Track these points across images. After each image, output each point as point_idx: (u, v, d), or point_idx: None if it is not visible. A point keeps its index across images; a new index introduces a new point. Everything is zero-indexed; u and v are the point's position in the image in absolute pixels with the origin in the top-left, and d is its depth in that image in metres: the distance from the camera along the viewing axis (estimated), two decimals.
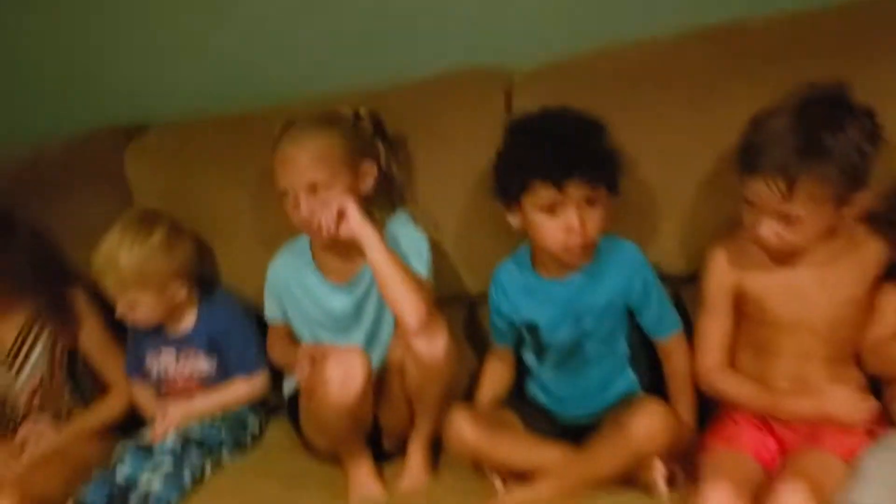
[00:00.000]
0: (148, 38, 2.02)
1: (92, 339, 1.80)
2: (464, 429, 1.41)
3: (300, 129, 1.48)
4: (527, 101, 1.54)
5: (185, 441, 1.61)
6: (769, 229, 1.23)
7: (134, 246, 1.60)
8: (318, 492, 1.51)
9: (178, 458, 1.57)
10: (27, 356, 1.76)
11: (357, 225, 1.39)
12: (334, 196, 1.43)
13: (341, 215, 1.40)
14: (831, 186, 1.18)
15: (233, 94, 1.96)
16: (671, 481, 1.30)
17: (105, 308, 1.74)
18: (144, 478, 1.52)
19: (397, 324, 1.47)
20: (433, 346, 1.41)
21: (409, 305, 1.38)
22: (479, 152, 1.58)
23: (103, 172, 1.91)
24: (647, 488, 1.31)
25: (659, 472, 1.31)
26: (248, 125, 1.83)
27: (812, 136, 1.17)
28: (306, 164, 1.44)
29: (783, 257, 1.29)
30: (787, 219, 1.21)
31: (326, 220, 1.40)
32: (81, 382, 1.83)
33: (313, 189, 1.44)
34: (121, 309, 1.64)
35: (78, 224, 1.87)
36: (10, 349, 1.75)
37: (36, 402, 1.78)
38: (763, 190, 1.20)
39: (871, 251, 1.30)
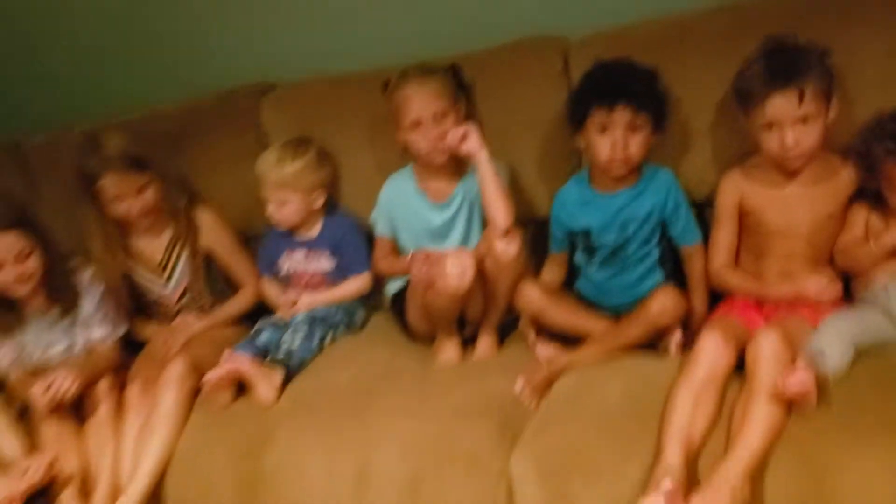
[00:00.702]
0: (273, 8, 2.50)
1: (224, 247, 2.27)
2: (533, 292, 1.90)
3: (419, 73, 1.95)
4: (583, 64, 1.97)
5: (312, 318, 2.10)
6: (792, 137, 1.62)
7: (296, 156, 2.09)
8: (413, 357, 1.98)
9: (309, 328, 2.07)
10: (174, 266, 2.25)
11: (475, 144, 1.85)
12: (450, 125, 1.90)
13: (465, 136, 1.86)
14: (823, 84, 1.61)
15: (339, 58, 2.45)
16: (683, 347, 1.76)
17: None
18: (286, 338, 2.02)
19: (485, 227, 1.94)
20: (509, 248, 1.88)
21: (502, 210, 1.86)
22: (541, 106, 2.06)
23: (242, 120, 2.41)
24: (663, 352, 1.77)
25: (674, 339, 1.77)
26: (357, 82, 2.30)
27: (797, 54, 1.62)
28: (432, 97, 1.91)
29: (791, 172, 1.71)
30: (804, 119, 1.61)
31: (452, 138, 1.86)
32: (217, 284, 2.31)
33: (438, 117, 1.91)
34: (272, 207, 2.12)
35: (219, 159, 2.37)
36: (161, 262, 2.24)
37: (184, 301, 2.27)
38: (782, 103, 1.61)
39: (844, 177, 1.73)
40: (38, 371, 2.06)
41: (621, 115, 1.77)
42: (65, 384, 1.91)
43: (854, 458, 1.37)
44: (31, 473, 1.79)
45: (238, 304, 2.28)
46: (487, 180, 1.87)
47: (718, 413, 1.51)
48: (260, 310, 2.28)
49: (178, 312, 2.27)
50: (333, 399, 1.84)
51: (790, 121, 1.64)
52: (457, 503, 1.62)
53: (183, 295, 2.26)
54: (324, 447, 1.74)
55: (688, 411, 1.47)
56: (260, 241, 2.33)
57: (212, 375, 1.86)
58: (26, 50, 2.82)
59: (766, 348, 1.48)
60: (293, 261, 2.22)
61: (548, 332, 1.94)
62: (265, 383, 1.88)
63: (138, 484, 1.81)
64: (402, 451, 1.68)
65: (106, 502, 1.83)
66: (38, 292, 2.06)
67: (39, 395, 1.90)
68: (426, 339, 2.04)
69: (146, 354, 2.17)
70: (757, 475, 1.38)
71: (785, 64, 1.64)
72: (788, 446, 1.42)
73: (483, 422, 1.68)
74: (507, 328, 2.05)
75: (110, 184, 2.07)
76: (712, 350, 1.55)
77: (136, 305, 2.28)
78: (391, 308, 2.18)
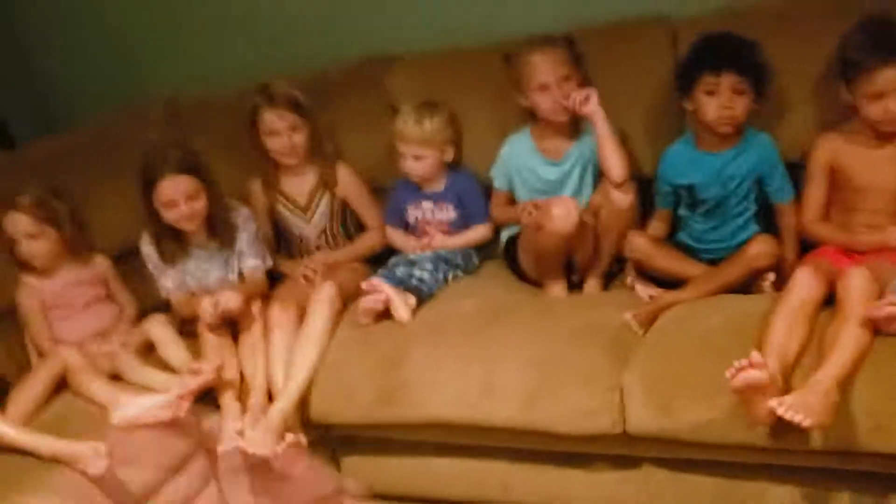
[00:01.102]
0: None
1: (358, 197, 2.56)
2: (640, 240, 2.14)
3: (544, 42, 2.18)
4: (689, 41, 2.17)
5: (437, 257, 2.37)
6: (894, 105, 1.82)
7: (433, 115, 2.35)
8: (527, 294, 2.24)
9: (435, 265, 2.33)
10: (316, 208, 2.55)
11: (595, 105, 2.09)
12: (571, 88, 2.14)
13: (586, 98, 2.10)
14: None
15: (455, 34, 2.69)
16: (776, 287, 1.96)
17: None
18: (416, 272, 2.29)
19: (602, 178, 2.17)
20: (625, 198, 2.12)
21: (619, 164, 2.10)
22: (649, 77, 2.28)
23: (370, 86, 2.67)
24: (757, 291, 1.98)
25: (769, 279, 1.97)
26: (475, 55, 2.53)
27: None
28: (557, 63, 2.15)
29: (885, 135, 1.89)
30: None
31: (575, 99, 2.10)
32: (350, 229, 2.61)
33: (561, 81, 2.15)
34: (410, 161, 2.38)
35: (350, 121, 2.64)
36: (306, 203, 2.54)
37: (322, 240, 2.57)
38: (891, 74, 1.79)
39: None
40: (196, 295, 2.37)
41: (727, 79, 1.98)
42: (230, 302, 2.21)
43: None
44: (204, 375, 2.09)
45: (368, 244, 2.57)
46: (605, 137, 2.11)
47: (810, 338, 1.71)
48: (384, 254, 2.56)
49: (316, 249, 2.55)
50: (460, 322, 2.11)
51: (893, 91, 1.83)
52: (571, 413, 1.87)
53: (321, 234, 2.55)
54: (454, 361, 2.01)
55: (783, 332, 1.68)
56: (386, 193, 2.60)
57: (369, 301, 2.14)
58: (168, 22, 3.13)
59: (857, 281, 1.69)
60: (422, 210, 2.48)
61: (650, 279, 2.16)
62: (403, 306, 2.15)
63: (292, 390, 2.10)
64: (523, 365, 1.94)
65: (260, 404, 2.12)
66: (201, 228, 2.37)
67: (209, 309, 2.20)
68: (536, 282, 2.29)
69: (287, 283, 2.45)
70: (845, 386, 1.59)
71: (892, 38, 1.83)
72: (873, 366, 1.62)
73: (596, 343, 1.92)
74: (610, 277, 2.29)
75: (270, 117, 2.38)
76: (807, 281, 1.76)
77: (277, 243, 2.58)
78: (504, 254, 2.43)
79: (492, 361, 1.96)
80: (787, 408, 1.51)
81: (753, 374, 1.54)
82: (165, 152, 2.28)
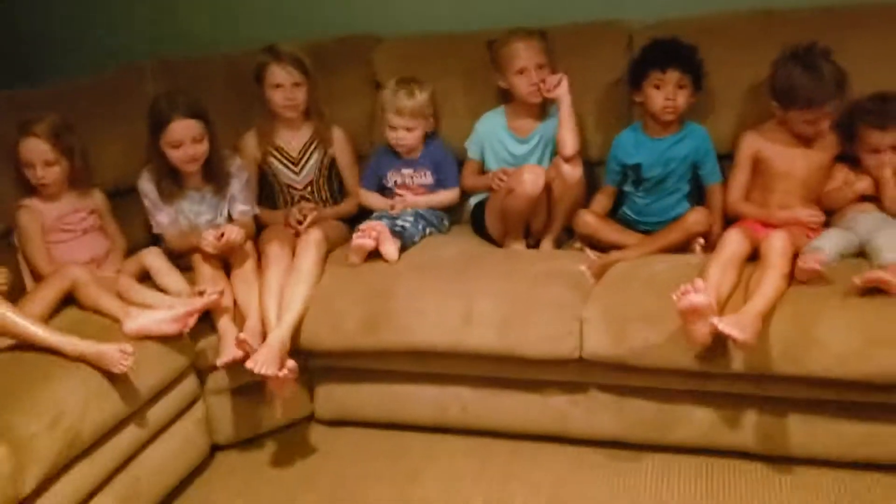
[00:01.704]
0: None
1: (346, 159, 2.82)
2: (588, 216, 2.49)
3: (525, 32, 2.52)
4: (642, 43, 2.55)
5: (416, 213, 2.65)
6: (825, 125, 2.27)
7: (422, 90, 2.63)
8: (490, 249, 2.55)
9: (415, 218, 2.62)
10: (306, 162, 2.79)
11: (565, 89, 2.44)
12: (545, 74, 2.47)
13: (559, 83, 2.44)
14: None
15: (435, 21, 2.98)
16: (704, 250, 2.35)
17: None
18: (399, 222, 2.57)
19: (555, 153, 2.51)
20: (574, 172, 2.47)
21: (572, 141, 2.45)
22: (605, 73, 2.65)
23: (356, 62, 2.94)
24: (690, 252, 2.36)
25: (699, 242, 2.36)
26: (455, 40, 2.86)
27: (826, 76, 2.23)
28: (536, 51, 2.49)
29: (799, 136, 2.32)
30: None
31: (549, 83, 2.44)
32: (334, 185, 2.85)
33: (538, 67, 2.49)
34: (401, 133, 2.65)
35: (336, 92, 2.88)
36: (297, 155, 2.78)
37: (307, 191, 2.80)
38: (827, 108, 2.23)
39: (831, 141, 2.35)
40: (188, 233, 2.57)
41: (672, 75, 2.38)
42: (234, 234, 2.42)
43: (828, 313, 1.98)
44: (208, 296, 2.30)
45: (347, 206, 2.83)
46: (567, 117, 2.46)
47: (737, 284, 2.09)
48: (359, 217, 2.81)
49: (301, 200, 2.78)
50: (441, 263, 2.41)
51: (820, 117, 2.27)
52: (539, 339, 2.19)
53: (308, 186, 2.79)
54: (437, 293, 2.29)
55: (718, 275, 2.06)
56: (364, 160, 2.87)
57: (361, 237, 2.41)
58: None
59: (778, 241, 2.09)
60: (401, 176, 2.75)
61: (595, 248, 2.52)
62: (392, 245, 2.42)
63: (288, 319, 2.32)
64: (498, 298, 2.25)
65: (256, 330, 2.32)
66: (198, 172, 2.57)
67: (212, 240, 2.40)
68: (498, 243, 2.60)
69: (273, 228, 2.66)
70: (766, 318, 1.98)
71: (825, 79, 2.24)
72: (787, 305, 2.02)
73: (560, 283, 2.26)
74: (559, 244, 2.63)
75: (276, 71, 2.63)
76: (737, 238, 2.16)
77: (259, 196, 2.80)
78: (470, 216, 2.74)
79: (470, 295, 2.26)
80: (725, 324, 1.88)
81: (697, 298, 1.90)
82: (175, 97, 2.48)
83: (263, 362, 2.19)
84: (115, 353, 2.00)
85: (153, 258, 2.50)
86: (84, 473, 1.98)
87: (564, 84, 2.45)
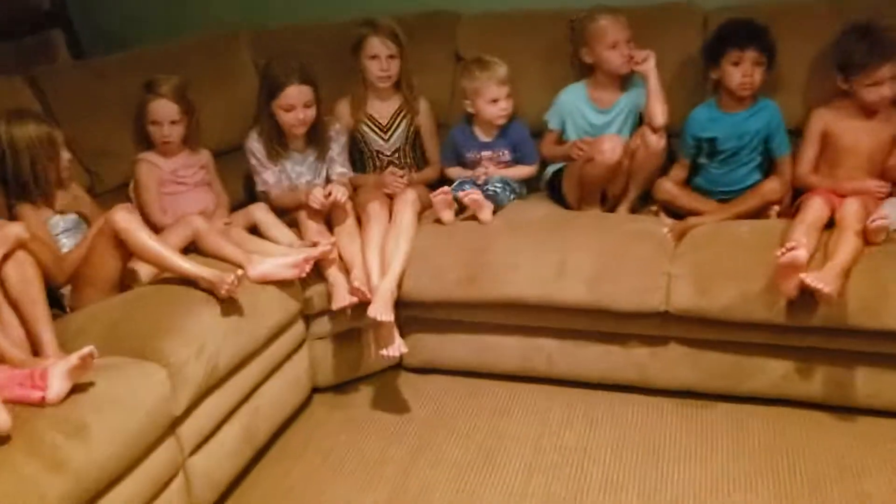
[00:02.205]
0: None
1: (429, 130, 2.97)
2: (667, 184, 2.64)
3: (610, 10, 2.67)
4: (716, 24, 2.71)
5: (502, 180, 2.79)
6: (886, 91, 2.40)
7: (504, 65, 2.76)
8: (576, 213, 2.70)
9: (503, 184, 2.76)
10: (395, 130, 2.94)
11: (652, 63, 2.58)
12: (633, 49, 2.63)
13: (647, 57, 2.59)
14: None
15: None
16: (780, 215, 2.51)
17: None
18: (489, 187, 2.71)
19: (637, 127, 2.67)
20: (660, 141, 2.62)
21: (662, 112, 2.59)
22: (680, 52, 2.80)
23: (439, 37, 3.09)
24: (766, 217, 2.52)
25: (775, 208, 2.52)
26: (530, 19, 3.00)
27: (887, 36, 2.39)
28: (624, 26, 2.65)
29: (869, 112, 2.47)
30: (886, 82, 2.39)
31: (638, 57, 2.59)
32: (418, 153, 3.00)
33: (626, 41, 2.64)
34: (503, 103, 2.75)
35: (421, 64, 3.02)
36: (387, 123, 2.93)
37: (395, 157, 2.95)
38: (888, 70, 2.37)
39: (894, 118, 2.51)
40: (292, 191, 2.72)
41: (750, 54, 2.53)
42: (341, 193, 2.57)
43: None
44: (323, 247, 2.45)
45: (431, 172, 2.98)
46: (655, 90, 2.61)
47: (817, 246, 2.25)
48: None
49: (387, 165, 2.93)
50: (534, 223, 2.56)
51: (888, 80, 2.41)
52: (628, 293, 2.35)
53: (395, 152, 2.94)
54: (531, 249, 2.45)
55: (803, 235, 2.21)
56: (445, 129, 3.01)
57: (438, 195, 2.58)
58: None
59: (854, 206, 2.25)
60: (481, 156, 2.86)
61: (672, 215, 2.67)
62: (485, 208, 2.57)
63: (395, 270, 2.48)
64: (590, 254, 2.40)
65: (363, 280, 2.47)
66: (302, 135, 2.71)
67: (320, 198, 2.55)
68: (576, 208, 2.75)
69: (368, 189, 2.80)
70: (846, 276, 2.14)
71: (880, 42, 2.40)
72: (863, 264, 2.18)
73: (647, 242, 2.42)
74: (633, 211, 2.78)
75: (374, 43, 2.77)
76: (819, 203, 2.32)
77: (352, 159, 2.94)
78: (548, 184, 2.89)
79: (563, 251, 2.42)
80: (812, 279, 2.04)
81: (798, 253, 2.07)
82: (290, 63, 2.62)
83: (381, 310, 2.35)
84: (226, 278, 2.14)
85: (262, 213, 2.66)
86: (218, 401, 2.15)
87: (652, 58, 2.60)
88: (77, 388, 1.77)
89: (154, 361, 1.95)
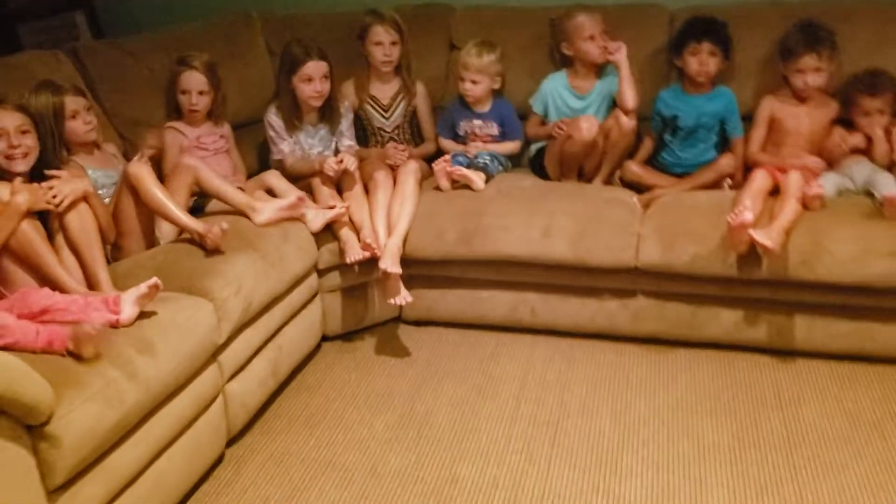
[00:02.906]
0: None
1: (425, 110, 3.27)
2: (634, 166, 2.97)
3: (586, 8, 3.00)
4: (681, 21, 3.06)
5: (490, 154, 3.11)
6: (811, 78, 2.78)
7: (491, 51, 3.07)
8: (558, 183, 3.02)
9: (491, 157, 3.08)
10: (395, 109, 3.23)
11: (624, 53, 2.91)
12: (607, 41, 2.95)
13: (619, 48, 2.92)
14: (830, 51, 2.76)
15: None
16: (731, 188, 2.87)
17: None
18: (479, 159, 3.03)
19: (611, 110, 3.00)
20: (631, 122, 2.95)
21: (633, 96, 2.93)
22: (648, 44, 3.13)
23: (434, 27, 3.39)
24: (720, 189, 2.87)
25: (727, 182, 2.88)
26: (522, 14, 3.31)
27: (819, 31, 2.76)
28: (598, 21, 2.97)
29: (804, 99, 2.84)
30: (817, 70, 2.77)
31: (611, 48, 2.92)
32: (415, 130, 3.30)
33: (602, 34, 2.97)
34: (468, 84, 3.08)
35: (418, 51, 3.31)
36: (388, 104, 3.22)
37: (395, 133, 3.25)
38: (811, 60, 2.76)
39: (831, 105, 2.88)
40: (307, 160, 2.99)
41: (706, 45, 2.89)
42: (350, 162, 2.85)
43: (836, 230, 2.50)
44: (338, 209, 2.74)
45: (427, 147, 3.28)
46: (626, 78, 2.94)
47: (762, 212, 2.60)
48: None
49: (386, 141, 3.22)
50: (523, 191, 2.88)
51: (811, 70, 2.78)
52: (605, 250, 2.68)
53: (395, 129, 3.23)
54: (521, 213, 2.76)
55: (750, 201, 2.56)
56: (440, 111, 3.32)
57: (454, 168, 2.87)
58: None
59: (794, 176, 2.61)
60: (472, 125, 3.19)
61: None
62: (477, 178, 2.89)
63: (401, 229, 2.78)
64: (571, 217, 2.72)
65: (371, 237, 2.76)
66: (316, 109, 2.99)
67: (333, 166, 2.83)
68: (557, 181, 3.08)
69: (373, 160, 3.07)
70: (787, 233, 2.49)
71: (813, 35, 2.78)
72: (803, 225, 2.54)
73: (620, 207, 2.76)
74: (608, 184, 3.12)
75: (378, 30, 3.06)
76: (763, 175, 2.68)
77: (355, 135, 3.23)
78: (531, 162, 3.21)
79: (548, 214, 2.74)
80: (759, 234, 2.40)
81: (746, 215, 2.42)
82: (308, 42, 2.90)
83: (390, 262, 2.65)
84: (212, 229, 2.37)
85: (275, 179, 2.93)
86: (250, 336, 2.42)
87: (624, 49, 2.94)
88: (143, 315, 2.04)
89: (202, 297, 2.22)
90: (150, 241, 2.55)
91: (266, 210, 2.64)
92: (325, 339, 2.96)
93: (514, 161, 3.27)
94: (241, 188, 2.87)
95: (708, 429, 2.39)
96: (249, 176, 3.05)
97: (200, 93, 2.81)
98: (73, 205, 2.21)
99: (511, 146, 3.22)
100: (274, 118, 2.99)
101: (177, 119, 2.89)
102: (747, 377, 2.64)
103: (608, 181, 3.08)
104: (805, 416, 2.43)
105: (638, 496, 2.13)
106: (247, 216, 2.63)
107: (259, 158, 3.22)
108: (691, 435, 2.37)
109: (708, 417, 2.44)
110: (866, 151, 2.81)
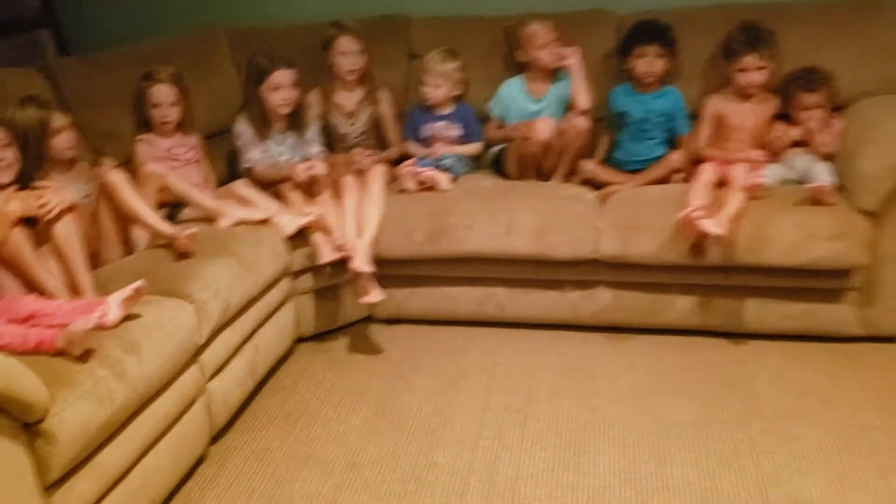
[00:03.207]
0: None
1: (388, 116, 3.38)
2: (590, 164, 3.10)
3: (539, 17, 3.13)
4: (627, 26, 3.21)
5: (454, 156, 3.22)
6: (753, 77, 2.95)
7: (453, 59, 3.20)
8: (519, 183, 3.13)
9: (455, 160, 3.19)
10: (358, 116, 3.33)
11: (577, 58, 3.05)
12: (560, 46, 3.09)
13: (572, 54, 3.06)
14: (767, 49, 2.93)
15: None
16: (682, 181, 3.02)
17: None
18: (444, 161, 3.14)
19: (566, 112, 3.14)
20: (584, 122, 3.09)
21: (586, 98, 3.07)
22: (597, 49, 3.28)
23: (394, 37, 3.50)
24: (672, 183, 3.02)
25: (679, 175, 3.02)
26: (477, 23, 3.43)
27: (760, 32, 2.93)
28: (550, 29, 3.11)
29: (748, 95, 3.01)
30: (759, 69, 2.94)
31: (563, 53, 3.06)
32: (379, 135, 3.40)
33: (554, 41, 3.10)
34: (429, 89, 3.20)
35: (379, 60, 3.41)
36: (352, 110, 3.32)
37: (359, 140, 3.35)
38: (752, 59, 2.93)
39: (772, 101, 3.05)
40: (277, 167, 3.08)
41: (652, 48, 3.04)
42: (319, 168, 2.95)
43: (779, 218, 2.66)
44: (312, 216, 2.82)
45: (392, 152, 3.37)
46: (579, 81, 3.08)
47: (712, 201, 2.74)
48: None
49: (352, 147, 3.31)
50: (486, 191, 3.00)
51: (753, 68, 2.95)
52: (565, 244, 2.80)
53: (359, 135, 3.33)
54: (485, 212, 2.87)
55: (698, 196, 2.71)
56: (401, 117, 3.42)
57: (420, 170, 2.97)
58: None
59: (740, 168, 2.76)
60: (435, 128, 3.31)
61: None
62: (443, 179, 3.00)
63: (370, 232, 2.87)
64: (533, 214, 2.84)
65: (343, 239, 2.84)
66: (284, 118, 3.08)
67: (303, 170, 2.92)
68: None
69: (340, 165, 3.15)
70: (735, 221, 2.64)
71: (754, 36, 2.95)
72: (749, 215, 2.68)
73: (578, 203, 2.88)
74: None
75: (344, 41, 3.16)
76: (710, 169, 2.83)
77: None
78: (492, 162, 3.32)
79: (511, 212, 2.85)
80: (709, 224, 2.55)
81: (697, 210, 2.57)
82: (274, 53, 3.00)
83: (362, 263, 2.74)
84: (179, 234, 2.48)
85: (245, 188, 3.01)
86: (228, 338, 2.49)
87: (576, 54, 3.08)
88: (128, 317, 2.10)
89: (183, 299, 2.29)
90: (128, 248, 2.61)
91: (233, 215, 2.73)
92: (300, 339, 3.04)
93: (476, 162, 3.39)
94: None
95: (669, 408, 2.52)
96: (221, 184, 3.13)
97: (171, 104, 2.88)
98: (60, 214, 2.27)
99: (473, 148, 3.34)
100: (243, 127, 3.07)
101: (146, 132, 2.95)
102: (704, 359, 2.78)
103: (566, 179, 3.21)
104: (759, 392, 2.58)
105: (606, 472, 2.25)
106: (216, 220, 2.71)
107: (229, 167, 3.29)
108: (654, 415, 2.49)
109: (669, 398, 2.57)
110: (806, 144, 2.98)
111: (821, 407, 2.48)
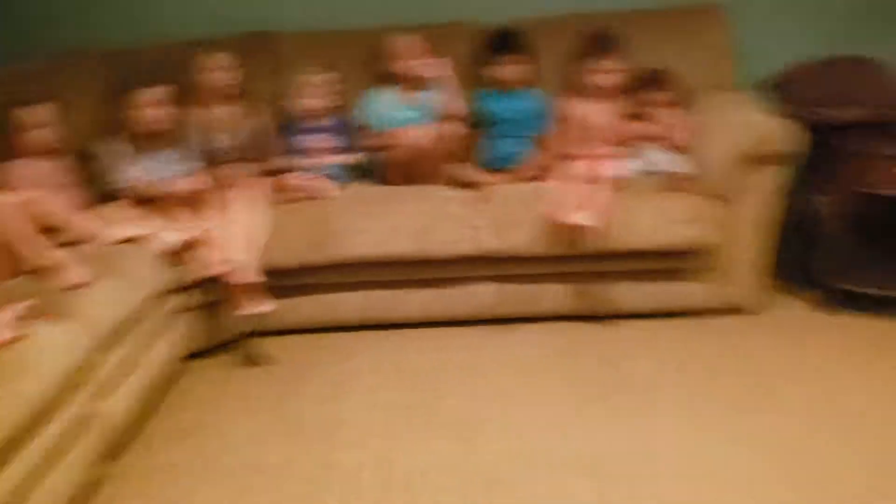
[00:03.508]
0: None
1: (266, 129, 3.42)
2: (465, 167, 3.25)
3: (407, 31, 3.27)
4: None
5: (336, 166, 3.30)
6: (607, 79, 3.18)
7: (329, 70, 3.29)
8: (398, 188, 3.24)
9: (335, 169, 3.27)
10: (237, 130, 3.33)
11: (448, 68, 3.20)
12: (430, 58, 3.23)
13: (442, 64, 3.20)
14: (618, 53, 3.17)
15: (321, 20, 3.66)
16: (550, 178, 3.21)
17: None
18: (326, 171, 3.21)
19: (439, 118, 3.28)
20: (458, 128, 3.24)
21: (458, 105, 3.22)
22: (468, 60, 3.45)
23: (265, 50, 3.54)
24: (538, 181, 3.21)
25: (546, 174, 3.22)
26: (344, 37, 3.54)
27: (612, 40, 3.17)
28: (421, 42, 3.25)
29: (604, 96, 3.24)
30: (611, 71, 3.17)
31: (437, 63, 3.19)
32: (259, 149, 3.41)
33: (424, 52, 3.23)
34: (306, 100, 3.28)
35: (252, 77, 3.46)
36: (230, 125, 3.33)
37: (239, 154, 3.36)
38: (606, 63, 3.16)
39: (625, 100, 3.30)
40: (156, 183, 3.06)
41: (508, 56, 3.26)
42: (201, 184, 2.96)
43: (639, 206, 2.89)
44: (193, 231, 2.83)
45: (273, 164, 3.38)
46: (451, 88, 3.23)
47: (580, 196, 2.94)
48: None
49: (233, 162, 3.31)
50: (367, 196, 3.09)
51: (606, 71, 3.19)
52: (447, 243, 2.94)
53: (239, 150, 3.34)
54: (368, 217, 2.97)
55: (567, 192, 2.91)
56: (283, 128, 3.47)
57: (305, 179, 3.03)
58: None
59: (603, 165, 3.00)
60: (314, 139, 3.37)
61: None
62: (329, 187, 3.07)
63: (257, 242, 2.91)
64: (414, 215, 2.96)
65: (228, 252, 2.87)
66: (160, 135, 3.08)
67: (186, 187, 2.92)
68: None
69: (225, 179, 3.16)
70: (602, 213, 2.85)
71: (606, 42, 3.19)
72: (614, 206, 2.90)
73: (456, 203, 3.02)
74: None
75: (218, 57, 3.23)
76: (574, 165, 3.03)
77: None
78: (370, 171, 3.41)
79: (393, 215, 2.96)
80: (580, 217, 2.76)
81: (566, 206, 2.77)
82: (143, 76, 3.00)
83: (248, 274, 2.78)
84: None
85: (125, 208, 2.98)
86: (117, 357, 2.46)
87: (446, 64, 3.23)
88: (15, 338, 2.06)
89: (70, 320, 2.25)
90: (13, 270, 2.53)
91: (117, 233, 2.72)
92: (191, 355, 3.02)
93: (356, 171, 3.47)
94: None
95: (554, 390, 2.68)
96: (92, 206, 3.07)
97: (42, 127, 2.82)
98: None
99: (349, 158, 3.42)
100: (118, 148, 3.04)
101: (16, 157, 2.87)
102: (582, 342, 2.98)
103: (444, 182, 3.34)
104: (638, 368, 2.79)
105: (499, 456, 2.37)
106: (94, 240, 2.68)
107: (101, 189, 3.22)
108: (539, 398, 2.65)
109: (552, 381, 2.74)
110: (659, 139, 3.23)
111: (699, 377, 2.71)
